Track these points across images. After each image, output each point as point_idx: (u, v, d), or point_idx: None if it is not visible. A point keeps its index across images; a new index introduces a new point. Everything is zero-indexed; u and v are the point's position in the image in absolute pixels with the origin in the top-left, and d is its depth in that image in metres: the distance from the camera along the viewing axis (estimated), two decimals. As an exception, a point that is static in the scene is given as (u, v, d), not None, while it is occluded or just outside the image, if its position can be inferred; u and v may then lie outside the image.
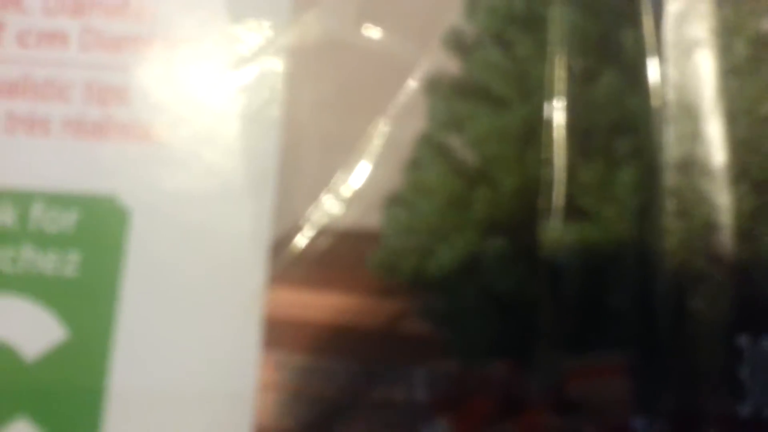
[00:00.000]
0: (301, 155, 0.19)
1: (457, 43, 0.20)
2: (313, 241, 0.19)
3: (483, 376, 0.18)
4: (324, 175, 0.19)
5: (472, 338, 0.18)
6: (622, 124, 0.19)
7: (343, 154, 0.19)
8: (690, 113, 0.19)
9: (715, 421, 0.18)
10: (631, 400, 0.17)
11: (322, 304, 0.18)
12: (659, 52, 0.20)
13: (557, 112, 0.19)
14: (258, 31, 0.20)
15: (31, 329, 0.18)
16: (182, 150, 0.19)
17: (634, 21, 0.20)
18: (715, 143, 0.19)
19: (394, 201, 0.19)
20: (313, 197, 0.19)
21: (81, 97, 0.20)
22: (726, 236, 0.19)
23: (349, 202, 0.19)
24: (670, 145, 0.19)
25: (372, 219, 0.19)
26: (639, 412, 0.17)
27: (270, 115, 0.20)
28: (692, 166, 0.19)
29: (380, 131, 0.19)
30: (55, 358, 0.18)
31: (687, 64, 0.20)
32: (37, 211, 0.19)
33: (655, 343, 0.18)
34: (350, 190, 0.19)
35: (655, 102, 0.19)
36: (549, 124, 0.19)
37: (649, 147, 0.19)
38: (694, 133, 0.19)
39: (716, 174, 0.19)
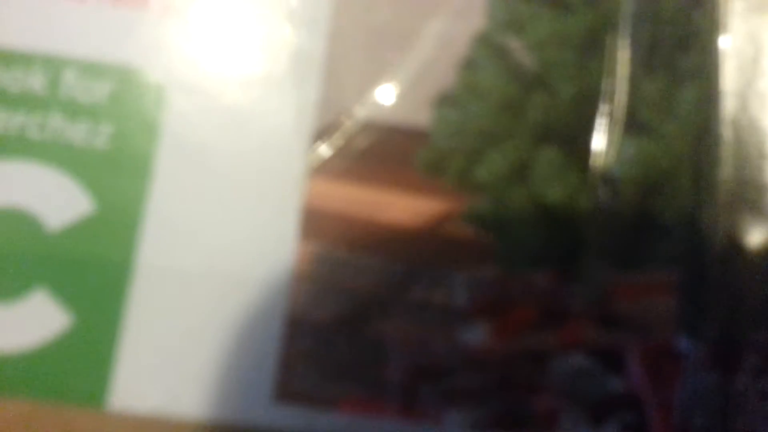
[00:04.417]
0: (350, 45, 0.18)
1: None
2: (359, 134, 0.18)
3: (526, 285, 0.17)
4: (374, 67, 0.18)
5: (517, 245, 0.17)
6: (687, 40, 0.18)
7: (394, 47, 0.18)
8: (753, 40, 0.19)
9: (756, 351, 0.17)
10: (676, 320, 0.17)
11: (363, 199, 0.18)
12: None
13: (622, 22, 0.18)
14: None
15: (56, 199, 0.17)
16: (224, 31, 0.18)
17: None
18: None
19: (446, 100, 0.18)
20: (362, 89, 0.18)
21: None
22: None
23: (399, 98, 0.18)
24: (730, 70, 0.19)
25: (421, 117, 0.18)
26: (683, 333, 0.17)
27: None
28: (750, 94, 0.18)
29: (436, 26, 0.18)
30: (81, 230, 0.17)
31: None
32: (69, 78, 0.18)
33: (703, 267, 0.17)
34: (400, 85, 0.18)
35: (719, 21, 0.19)
36: (614, 33, 0.18)
37: (710, 68, 0.18)
38: (755, 61, 0.19)
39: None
